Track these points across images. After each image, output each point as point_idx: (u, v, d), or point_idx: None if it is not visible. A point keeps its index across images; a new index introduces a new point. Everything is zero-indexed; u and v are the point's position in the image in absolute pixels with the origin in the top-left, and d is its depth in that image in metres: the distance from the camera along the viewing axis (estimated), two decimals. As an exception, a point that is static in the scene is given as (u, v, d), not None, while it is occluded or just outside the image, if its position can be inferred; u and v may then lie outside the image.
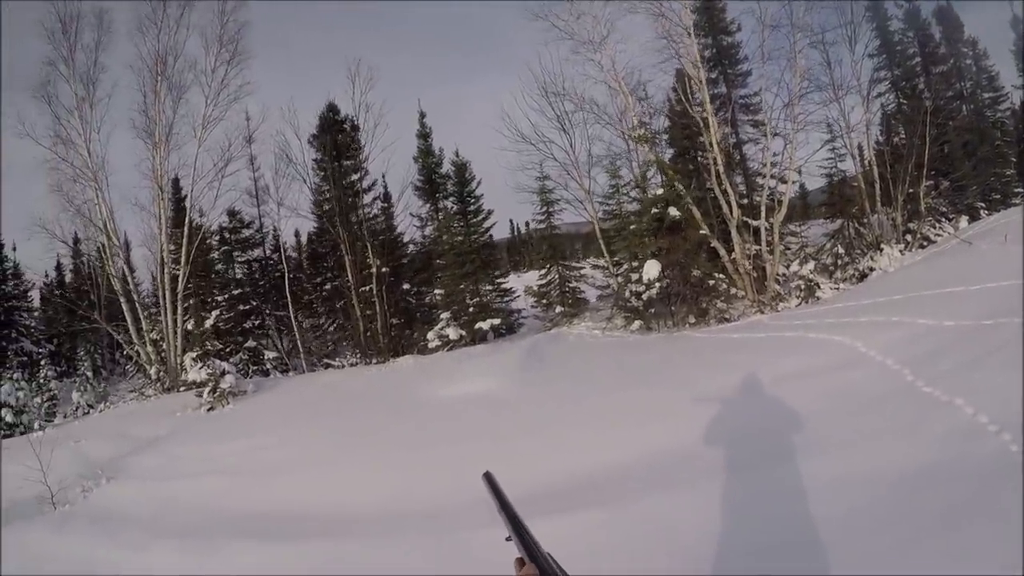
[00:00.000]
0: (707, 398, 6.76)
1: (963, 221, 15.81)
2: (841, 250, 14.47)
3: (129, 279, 16.87)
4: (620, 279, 13.47)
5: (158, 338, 16.56)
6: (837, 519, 3.41)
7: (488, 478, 0.87)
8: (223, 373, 12.15)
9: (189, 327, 16.33)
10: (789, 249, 15.25)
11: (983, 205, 16.66)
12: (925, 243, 15.00)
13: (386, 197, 17.24)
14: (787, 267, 14.21)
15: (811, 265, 13.38)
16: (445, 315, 13.25)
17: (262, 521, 5.53)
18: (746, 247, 13.60)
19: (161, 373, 15.95)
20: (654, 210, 12.03)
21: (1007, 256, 8.81)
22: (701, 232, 12.46)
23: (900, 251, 14.43)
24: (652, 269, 11.63)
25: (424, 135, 16.14)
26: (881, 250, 14.47)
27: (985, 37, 19.02)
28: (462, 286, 14.05)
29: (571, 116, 15.54)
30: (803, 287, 13.09)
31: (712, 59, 15.93)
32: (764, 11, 13.60)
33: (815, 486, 3.88)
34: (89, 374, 16.79)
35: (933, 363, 5.56)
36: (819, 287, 13.09)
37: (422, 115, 16.16)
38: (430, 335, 13.34)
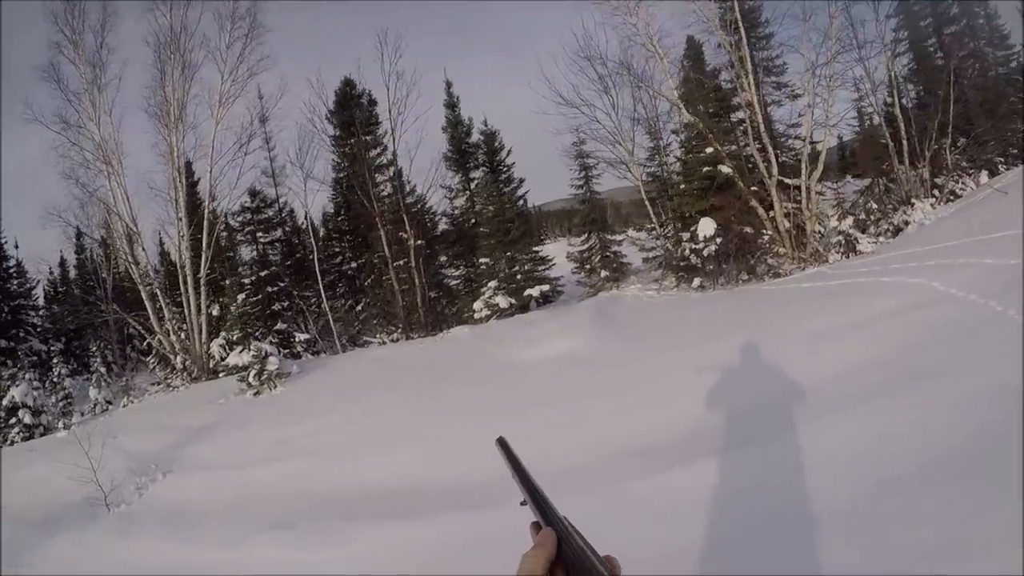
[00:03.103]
0: (815, 338, 6.77)
1: (983, 175, 16.14)
2: (874, 205, 14.65)
3: (149, 267, 16.19)
4: (671, 239, 13.42)
5: (178, 327, 15.95)
6: (972, 435, 3.49)
7: (502, 443, 0.88)
8: (266, 355, 11.73)
9: (214, 313, 15.82)
10: (818, 207, 15.40)
11: (1001, 160, 17.02)
12: (952, 197, 15.28)
13: (414, 170, 16.88)
14: (823, 224, 14.35)
15: (850, 220, 13.51)
16: (492, 283, 13.02)
17: (368, 500, 5.16)
18: (783, 205, 13.69)
19: (187, 362, 15.39)
20: (705, 169, 11.96)
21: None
22: (752, 189, 12.46)
23: (931, 205, 14.68)
24: (707, 227, 11.61)
25: (452, 105, 15.76)
26: (912, 204, 14.70)
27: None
28: (508, 254, 13.82)
29: (613, 78, 15.36)
30: (843, 242, 13.23)
31: (733, 23, 15.90)
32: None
33: (943, 407, 3.97)
34: (102, 370, 16.15)
35: (1015, 295, 5.64)
36: (858, 241, 13.25)
37: (448, 84, 15.80)
38: (476, 304, 13.13)
